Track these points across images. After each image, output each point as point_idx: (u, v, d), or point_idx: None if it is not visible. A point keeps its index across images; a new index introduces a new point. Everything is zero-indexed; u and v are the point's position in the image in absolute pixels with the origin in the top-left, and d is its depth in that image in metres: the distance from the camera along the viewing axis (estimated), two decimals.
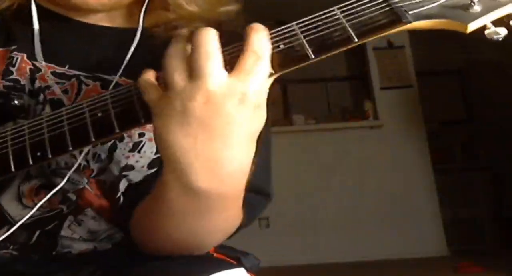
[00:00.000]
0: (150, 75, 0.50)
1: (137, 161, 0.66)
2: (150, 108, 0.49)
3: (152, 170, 0.67)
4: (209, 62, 0.46)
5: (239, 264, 0.67)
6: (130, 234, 0.67)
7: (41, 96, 0.66)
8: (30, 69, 0.67)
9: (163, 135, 0.48)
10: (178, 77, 0.47)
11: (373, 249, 4.01)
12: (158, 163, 0.67)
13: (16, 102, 0.63)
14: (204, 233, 0.59)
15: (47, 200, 0.64)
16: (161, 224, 0.58)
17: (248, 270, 0.61)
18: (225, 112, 0.46)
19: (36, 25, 0.68)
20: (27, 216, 0.61)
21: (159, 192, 0.55)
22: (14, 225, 0.64)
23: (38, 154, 0.52)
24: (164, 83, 0.48)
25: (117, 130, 0.51)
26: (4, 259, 0.64)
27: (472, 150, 5.42)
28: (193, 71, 0.46)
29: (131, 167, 0.66)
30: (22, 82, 0.66)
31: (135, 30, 0.71)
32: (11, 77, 0.66)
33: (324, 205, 4.16)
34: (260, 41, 0.47)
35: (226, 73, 0.46)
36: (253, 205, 0.58)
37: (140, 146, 0.66)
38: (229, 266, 0.57)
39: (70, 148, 0.52)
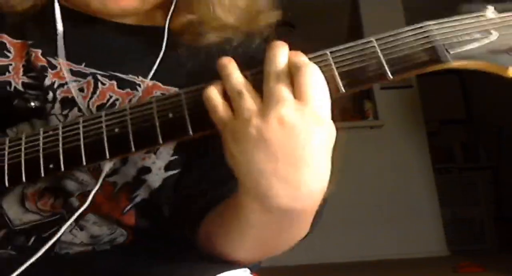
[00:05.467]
0: (217, 91, 0.48)
1: (153, 163, 0.65)
2: (219, 128, 0.48)
3: (170, 173, 0.66)
4: (278, 87, 0.46)
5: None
6: (139, 237, 0.66)
7: (50, 95, 0.64)
8: (41, 66, 0.66)
9: (240, 160, 0.47)
10: (249, 102, 0.46)
11: (373, 249, 4.01)
12: (176, 165, 0.66)
13: (32, 104, 0.62)
14: (277, 244, 0.59)
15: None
16: (234, 233, 0.57)
17: (250, 270, 0.61)
18: (302, 134, 0.45)
19: (59, 25, 0.67)
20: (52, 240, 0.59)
21: (234, 208, 0.54)
22: (11, 229, 0.63)
23: (51, 166, 0.52)
24: (232, 106, 0.47)
25: (133, 150, 0.50)
26: (2, 259, 0.63)
27: (472, 150, 5.43)
28: (265, 96, 0.46)
29: (148, 169, 0.65)
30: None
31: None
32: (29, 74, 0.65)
33: None
34: (300, 56, 0.47)
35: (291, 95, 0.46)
36: (319, 212, 0.58)
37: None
38: (233, 266, 0.57)
39: (84, 163, 0.51)
